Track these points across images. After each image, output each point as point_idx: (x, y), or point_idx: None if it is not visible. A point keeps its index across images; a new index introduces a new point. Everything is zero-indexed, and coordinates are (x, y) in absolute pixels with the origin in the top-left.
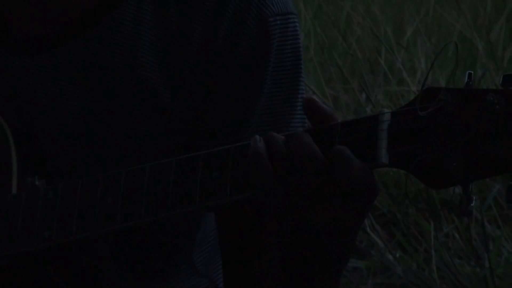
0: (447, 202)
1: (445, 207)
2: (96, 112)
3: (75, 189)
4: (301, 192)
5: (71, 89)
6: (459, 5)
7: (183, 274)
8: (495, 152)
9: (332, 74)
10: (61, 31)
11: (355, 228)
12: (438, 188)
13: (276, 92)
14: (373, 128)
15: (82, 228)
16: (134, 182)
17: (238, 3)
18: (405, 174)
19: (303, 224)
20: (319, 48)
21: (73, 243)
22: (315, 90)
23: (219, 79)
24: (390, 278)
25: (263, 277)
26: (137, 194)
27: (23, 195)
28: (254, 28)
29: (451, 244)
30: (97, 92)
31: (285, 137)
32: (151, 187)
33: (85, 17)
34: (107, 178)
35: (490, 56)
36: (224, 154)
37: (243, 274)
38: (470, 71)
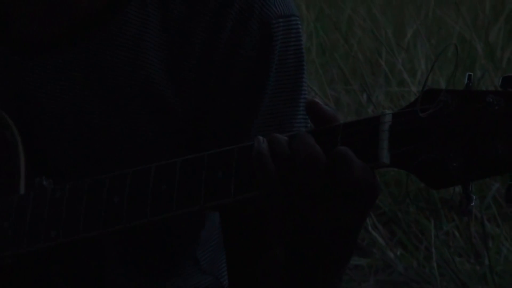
0: (447, 201)
1: (445, 206)
2: (98, 112)
3: (82, 189)
4: (303, 192)
5: (73, 89)
6: (458, 7)
7: (188, 272)
8: (494, 152)
9: (334, 75)
10: (64, 32)
11: (357, 227)
12: (439, 188)
13: (279, 93)
14: (375, 128)
15: (88, 228)
16: (140, 182)
17: (241, 5)
18: (406, 173)
19: (305, 224)
20: (321, 49)
21: (79, 242)
22: (317, 91)
23: (222, 80)
24: (391, 276)
25: (266, 276)
26: (143, 194)
27: (31, 195)
28: (257, 30)
29: (451, 242)
30: (99, 92)
31: (288, 138)
32: (156, 187)
33: (88, 18)
34: (113, 178)
35: (489, 57)
36: (228, 154)
37: (247, 272)
38: (470, 73)
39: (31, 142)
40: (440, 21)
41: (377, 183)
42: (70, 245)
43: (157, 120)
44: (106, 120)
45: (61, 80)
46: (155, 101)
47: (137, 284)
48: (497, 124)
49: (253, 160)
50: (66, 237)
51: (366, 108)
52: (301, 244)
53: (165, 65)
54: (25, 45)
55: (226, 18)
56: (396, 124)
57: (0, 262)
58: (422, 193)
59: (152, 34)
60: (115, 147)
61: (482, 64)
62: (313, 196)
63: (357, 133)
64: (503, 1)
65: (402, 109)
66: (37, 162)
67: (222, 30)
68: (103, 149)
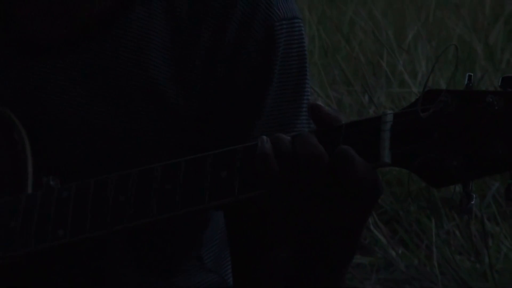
0: (448, 200)
1: (446, 205)
2: (102, 112)
3: (88, 189)
4: (306, 191)
5: (77, 90)
6: (458, 9)
7: (192, 271)
8: (494, 151)
9: (336, 76)
10: (69, 33)
11: (360, 226)
12: (439, 186)
13: (282, 94)
14: (376, 128)
15: (95, 226)
16: (145, 181)
17: (245, 8)
18: (407, 173)
19: (308, 223)
20: (323, 51)
21: (86, 241)
22: (319, 92)
23: (226, 81)
24: (393, 274)
25: (270, 274)
26: (148, 193)
27: (38, 194)
28: (260, 32)
29: (452, 240)
30: (103, 93)
31: (291, 138)
32: (161, 187)
33: (93, 19)
34: (118, 178)
35: (488, 58)
36: (232, 154)
37: (251, 271)
38: (470, 73)
39: (38, 142)
40: (441, 23)
41: (380, 182)
42: (77, 244)
43: (161, 121)
44: (110, 120)
45: (66, 81)
46: (158, 102)
47: (141, 282)
48: (497, 124)
49: (257, 160)
50: (73, 236)
51: (367, 109)
52: (304, 243)
53: (169, 66)
54: (31, 46)
55: (230, 20)
56: (397, 124)
57: (8, 261)
58: (423, 193)
59: (156, 35)
60: (120, 147)
61: (482, 65)
62: (316, 195)
63: (358, 133)
64: (503, 4)
65: (403, 109)
66: (44, 162)
67: (226, 32)
68: (108, 149)
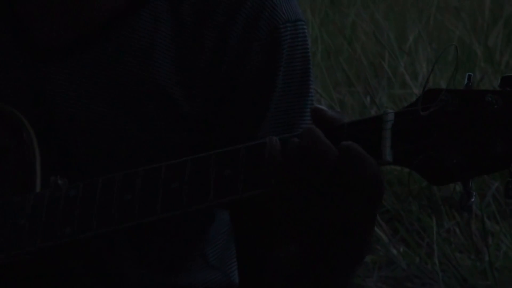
0: (448, 199)
1: (446, 204)
2: (111, 114)
3: (95, 187)
4: (313, 188)
5: (87, 92)
6: (458, 12)
7: (197, 268)
8: (493, 150)
9: (338, 78)
10: (79, 37)
11: (366, 226)
12: (440, 184)
13: (286, 95)
14: (378, 127)
15: (101, 224)
16: (151, 180)
17: (250, 11)
18: (407, 173)
19: (314, 221)
20: (326, 53)
21: (92, 238)
22: (322, 93)
23: (232, 83)
24: (395, 271)
25: (276, 272)
26: (154, 191)
27: (46, 193)
28: (265, 35)
29: (452, 239)
30: (112, 95)
31: (299, 136)
32: (166, 185)
33: (102, 24)
34: (125, 177)
35: (488, 60)
36: (236, 153)
37: (257, 269)
38: (470, 73)
39: (47, 142)
40: (441, 25)
41: (382, 179)
42: (83, 242)
43: (166, 121)
44: (116, 121)
45: (73, 82)
46: (163, 103)
47: (146, 280)
48: (496, 123)
49: (266, 158)
50: (80, 233)
51: (369, 110)
52: (310, 241)
53: (174, 68)
54: (39, 48)
55: (235, 23)
56: (398, 123)
57: (16, 258)
58: (424, 192)
59: (163, 38)
60: (126, 147)
61: (482, 67)
62: (323, 192)
63: (360, 132)
64: (502, 7)
65: (404, 108)
66: (52, 162)
67: (231, 35)
68: (114, 149)
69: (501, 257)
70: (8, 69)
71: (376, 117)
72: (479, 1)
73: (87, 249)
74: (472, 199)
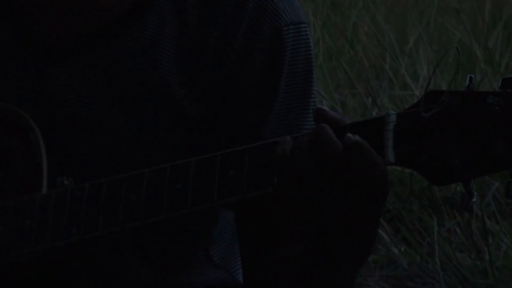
0: (449, 199)
1: (447, 204)
2: (116, 115)
3: (101, 188)
4: (319, 187)
5: (91, 93)
6: (459, 14)
7: (201, 268)
8: (494, 150)
9: (340, 79)
10: (84, 39)
11: (371, 225)
12: (441, 184)
13: (289, 97)
14: (380, 128)
15: (107, 224)
16: (156, 180)
17: (253, 13)
18: (409, 173)
19: (320, 220)
20: (328, 55)
21: (98, 238)
22: (324, 95)
23: (235, 85)
24: (396, 271)
25: (280, 271)
26: (159, 192)
27: (53, 193)
28: (268, 37)
29: (453, 238)
30: (117, 96)
31: (308, 135)
32: (171, 185)
33: (108, 26)
34: (130, 178)
35: (488, 62)
36: (241, 154)
37: (262, 268)
38: (471, 75)
39: (53, 143)
40: (442, 27)
41: (388, 179)
42: (89, 242)
43: (172, 123)
44: (122, 122)
45: (79, 84)
46: (169, 105)
47: (150, 279)
48: (497, 124)
49: (276, 157)
50: (86, 233)
51: (371, 111)
52: (315, 240)
53: (179, 70)
54: (45, 50)
55: (238, 25)
56: (400, 124)
57: (24, 258)
58: (425, 192)
59: (168, 40)
60: (131, 148)
61: (482, 69)
62: (329, 191)
63: (363, 133)
64: (502, 9)
65: (406, 109)
66: (58, 163)
67: (234, 38)
68: (117, 149)
69: (501, 256)
70: (10, 69)
71: (379, 118)
72: (479, 3)
73: (90, 248)
74: (474, 199)
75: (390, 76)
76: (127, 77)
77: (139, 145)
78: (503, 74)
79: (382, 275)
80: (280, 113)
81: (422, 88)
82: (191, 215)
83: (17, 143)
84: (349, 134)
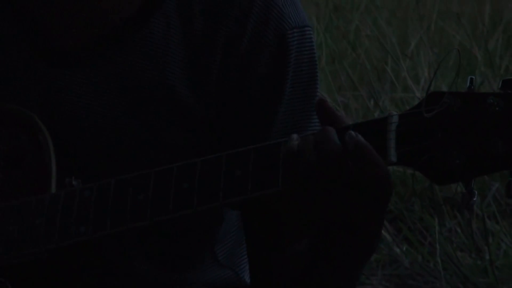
0: (450, 200)
1: (448, 204)
2: (125, 118)
3: (109, 188)
4: (324, 187)
5: (101, 97)
6: (459, 18)
7: (206, 266)
8: (495, 150)
9: (343, 82)
10: (93, 43)
11: (375, 223)
12: (443, 184)
13: (295, 98)
14: (383, 129)
15: (115, 223)
16: (163, 180)
17: (258, 17)
18: (410, 174)
19: (325, 219)
20: (331, 58)
21: (106, 237)
22: (327, 97)
23: (241, 88)
24: (398, 270)
25: (286, 270)
26: (166, 191)
27: (62, 193)
28: (273, 40)
29: (454, 238)
30: (126, 100)
31: (313, 136)
32: (178, 185)
33: (117, 30)
34: (138, 177)
35: (488, 64)
36: (246, 154)
37: (268, 267)
38: (472, 76)
39: (62, 145)
40: (442, 31)
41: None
42: (97, 241)
43: (178, 125)
44: (130, 124)
45: (88, 87)
46: (176, 107)
47: (156, 278)
48: (498, 124)
49: (284, 152)
50: (94, 233)
51: (373, 113)
52: (320, 238)
53: (186, 73)
54: (55, 55)
55: (244, 29)
56: (402, 125)
57: (33, 257)
58: (426, 193)
59: (174, 43)
60: (139, 149)
61: (482, 71)
62: (334, 191)
63: (366, 133)
64: (501, 13)
65: (408, 110)
66: (67, 164)
67: (240, 41)
68: (127, 150)
69: (501, 256)
70: (21, 72)
71: (381, 119)
72: (479, 7)
73: (98, 248)
74: (474, 198)
75: (392, 78)
76: (135, 79)
77: (146, 146)
78: (503, 76)
79: (385, 274)
80: (285, 115)
81: (423, 90)
82: (196, 214)
83: (27, 144)
84: (351, 132)
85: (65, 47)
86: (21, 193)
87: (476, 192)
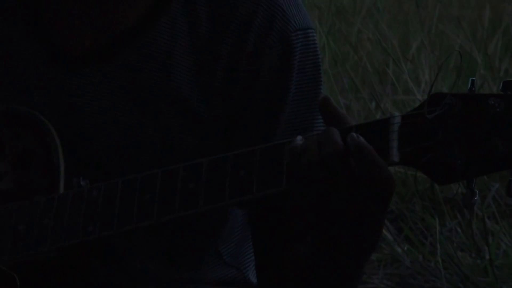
0: (450, 200)
1: (448, 204)
2: (133, 120)
3: (116, 188)
4: (328, 186)
5: (109, 99)
6: (459, 21)
7: (211, 265)
8: (495, 150)
9: (345, 84)
10: (102, 46)
11: (377, 222)
12: (444, 183)
13: (299, 100)
14: (385, 129)
15: (122, 223)
16: (169, 180)
17: (263, 20)
18: (411, 175)
19: (329, 218)
20: (333, 61)
21: (112, 236)
22: None
23: (247, 90)
24: (399, 269)
25: (291, 268)
26: (172, 191)
27: (70, 194)
28: (278, 43)
29: (454, 238)
30: (134, 102)
31: (316, 136)
32: (184, 185)
33: (125, 33)
34: (144, 178)
35: (488, 67)
36: (251, 155)
37: (274, 266)
38: (473, 78)
39: (71, 146)
40: (443, 34)
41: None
42: (104, 240)
43: (186, 127)
44: (137, 126)
45: (96, 89)
46: (183, 110)
47: (162, 276)
48: (498, 125)
49: (288, 149)
50: (101, 232)
51: (375, 115)
52: (324, 235)
53: (192, 75)
54: (67, 58)
55: (249, 32)
56: (404, 125)
57: (41, 257)
58: (427, 193)
59: (180, 47)
60: (146, 151)
61: (482, 74)
62: (337, 190)
63: (369, 134)
64: (501, 17)
65: (410, 111)
66: (74, 164)
67: (245, 44)
68: (136, 153)
69: (501, 255)
70: (33, 75)
71: (384, 120)
72: (479, 11)
73: (107, 246)
74: (476, 197)
75: (393, 81)
76: (143, 82)
77: (154, 149)
78: (502, 79)
79: (386, 273)
80: (290, 116)
81: (424, 93)
82: (201, 213)
83: (35, 145)
84: (353, 133)
85: (76, 51)
86: (30, 193)
87: (477, 191)
